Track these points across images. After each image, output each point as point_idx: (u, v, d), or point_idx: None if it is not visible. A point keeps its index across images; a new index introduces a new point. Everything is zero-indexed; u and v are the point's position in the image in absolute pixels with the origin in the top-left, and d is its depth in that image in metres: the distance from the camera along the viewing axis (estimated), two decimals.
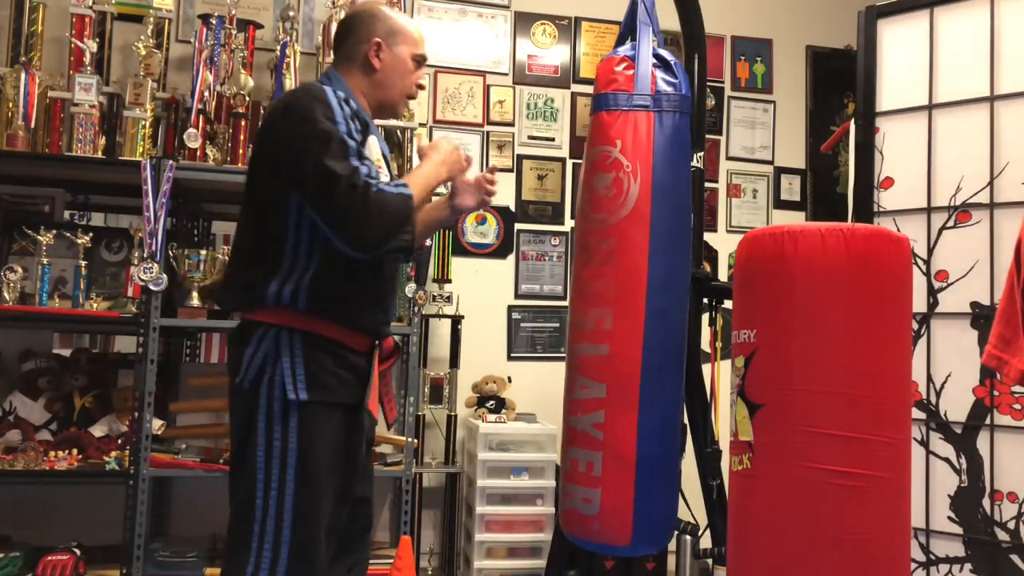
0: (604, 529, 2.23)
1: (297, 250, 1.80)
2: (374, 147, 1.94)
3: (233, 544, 1.77)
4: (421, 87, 2.07)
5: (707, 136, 3.27)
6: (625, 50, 2.35)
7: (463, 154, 2.03)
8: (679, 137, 2.28)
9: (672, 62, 2.33)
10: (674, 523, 2.32)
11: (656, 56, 2.32)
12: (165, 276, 2.81)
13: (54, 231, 2.96)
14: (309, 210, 1.78)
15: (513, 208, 3.81)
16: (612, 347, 2.25)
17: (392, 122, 3.20)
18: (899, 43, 2.68)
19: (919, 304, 2.46)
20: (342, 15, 3.23)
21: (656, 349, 2.23)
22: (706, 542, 2.56)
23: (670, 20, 2.51)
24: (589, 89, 3.90)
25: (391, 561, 2.99)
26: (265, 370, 1.76)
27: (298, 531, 1.73)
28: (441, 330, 3.61)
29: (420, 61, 2.04)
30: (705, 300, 2.58)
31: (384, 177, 1.88)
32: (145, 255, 2.81)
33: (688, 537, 2.56)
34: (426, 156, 1.98)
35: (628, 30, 2.42)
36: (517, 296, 3.82)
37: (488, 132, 3.82)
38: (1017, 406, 2.39)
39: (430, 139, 3.67)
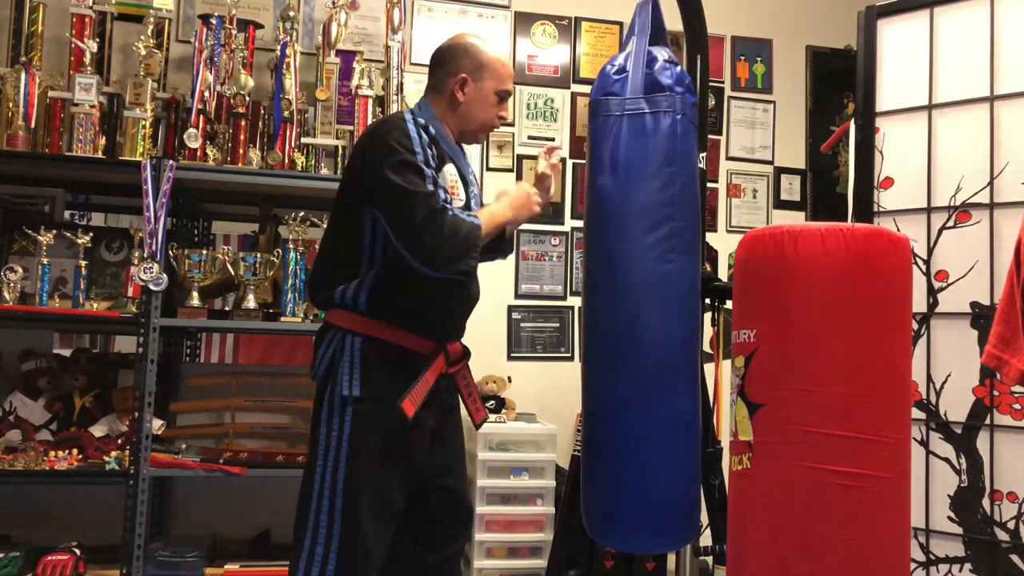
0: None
1: (371, 261, 2.01)
2: (449, 174, 2.11)
3: (297, 521, 1.98)
4: (503, 119, 2.21)
5: (707, 136, 3.27)
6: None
7: (535, 200, 2.20)
8: (600, 139, 2.28)
9: (612, 66, 2.33)
10: (635, 527, 2.28)
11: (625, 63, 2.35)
12: (165, 276, 2.80)
13: (54, 231, 2.95)
14: (385, 226, 1.97)
15: None
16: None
17: None
18: (899, 43, 2.68)
19: (919, 304, 2.46)
20: (342, 15, 3.25)
21: (589, 349, 2.30)
22: (706, 541, 2.56)
23: (671, 21, 2.51)
24: (589, 89, 3.92)
25: None
26: (331, 368, 1.98)
27: (348, 512, 1.93)
28: None
29: (504, 96, 2.19)
30: (706, 300, 2.58)
31: (458, 203, 2.07)
32: (145, 255, 2.81)
33: None
34: (500, 197, 2.19)
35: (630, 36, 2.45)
36: (517, 296, 3.82)
37: None
38: (1017, 406, 2.39)
39: None
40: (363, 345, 1.98)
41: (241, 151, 3.08)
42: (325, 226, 2.20)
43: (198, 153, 3.01)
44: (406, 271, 2.00)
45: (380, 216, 1.99)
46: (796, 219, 4.17)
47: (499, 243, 2.37)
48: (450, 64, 2.15)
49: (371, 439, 1.97)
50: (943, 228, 2.56)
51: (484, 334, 3.69)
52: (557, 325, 3.85)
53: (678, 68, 2.33)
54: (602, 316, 2.33)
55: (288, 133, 3.13)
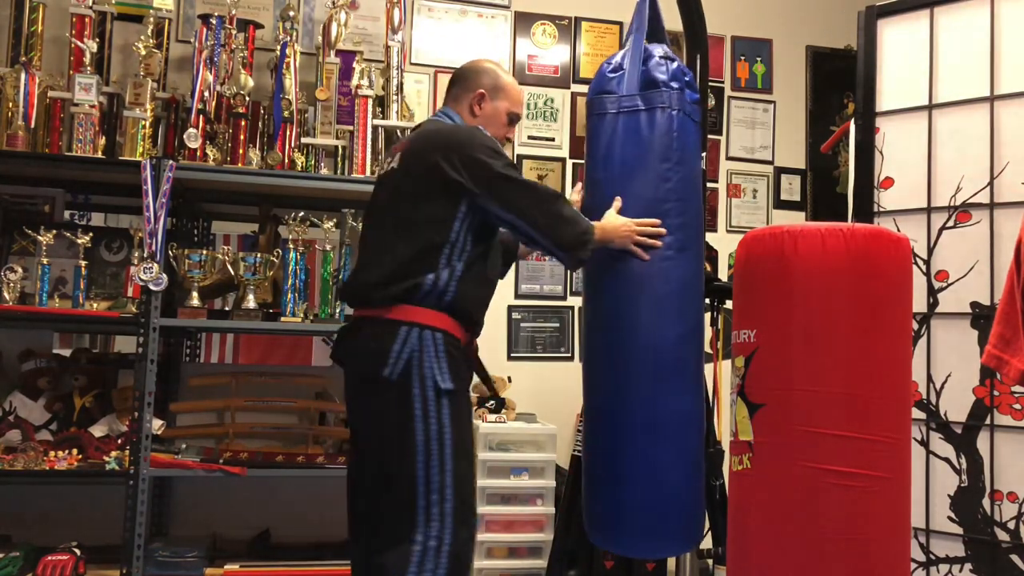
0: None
1: (450, 255, 2.07)
2: None
3: (395, 518, 1.99)
4: (509, 140, 2.38)
5: (707, 136, 3.27)
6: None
7: (635, 236, 2.23)
8: (596, 135, 2.33)
9: (618, 62, 2.36)
10: (645, 535, 2.28)
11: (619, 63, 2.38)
12: (165, 276, 2.80)
13: (54, 231, 2.95)
14: (508, 218, 2.09)
15: None
16: None
17: (391, 122, 3.19)
18: (899, 43, 2.68)
19: (919, 304, 2.46)
20: (342, 15, 3.25)
21: (587, 348, 2.36)
22: (706, 542, 2.56)
23: (671, 21, 2.52)
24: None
25: None
26: (412, 364, 2.00)
27: (458, 500, 1.99)
28: None
29: (514, 119, 2.34)
30: (706, 300, 2.58)
31: None
32: (145, 255, 2.81)
33: None
34: (609, 215, 2.26)
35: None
36: (517, 296, 3.82)
37: None
38: (1017, 406, 2.39)
39: None
40: (443, 340, 2.05)
41: (241, 151, 3.08)
42: (379, 223, 2.17)
43: (198, 153, 3.01)
44: (482, 263, 2.13)
45: (496, 209, 2.08)
46: (796, 219, 4.17)
47: (512, 259, 2.51)
48: (471, 80, 2.29)
49: (463, 429, 2.06)
50: (943, 228, 2.56)
51: (484, 334, 3.66)
52: (557, 325, 3.85)
53: (675, 64, 2.33)
54: (597, 314, 2.34)
55: (288, 133, 3.12)
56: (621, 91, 2.31)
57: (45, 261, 2.88)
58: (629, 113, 2.29)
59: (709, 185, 3.92)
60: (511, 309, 3.81)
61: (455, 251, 2.07)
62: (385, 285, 2.06)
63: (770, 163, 4.18)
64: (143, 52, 3.08)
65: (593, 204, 2.31)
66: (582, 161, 3.86)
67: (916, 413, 2.51)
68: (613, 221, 2.24)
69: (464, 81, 2.30)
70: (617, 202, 2.27)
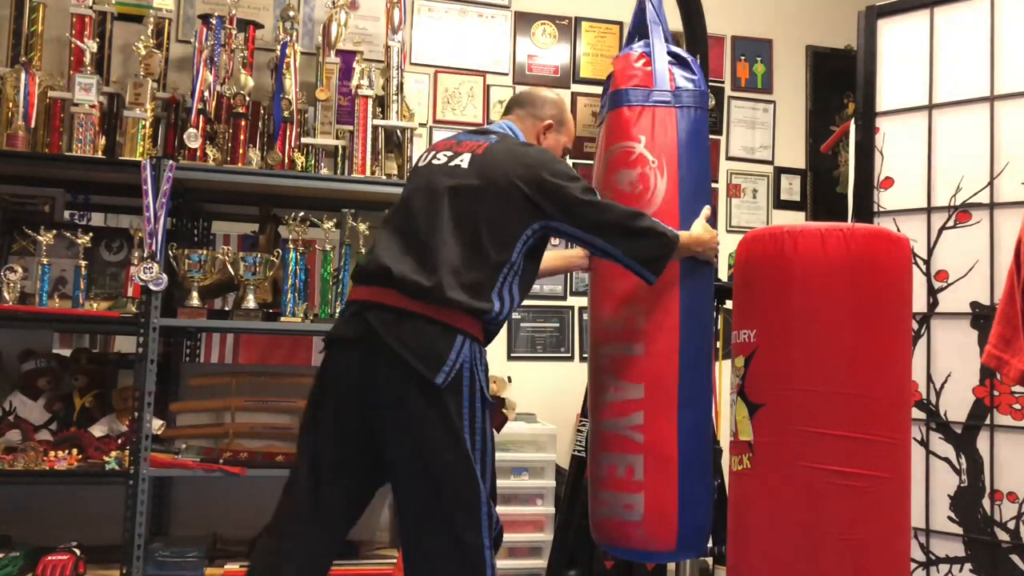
0: (648, 536, 2.20)
1: (509, 269, 2.07)
2: None
3: (465, 510, 1.99)
4: None
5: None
6: (640, 46, 2.38)
7: (715, 248, 2.30)
8: (700, 132, 2.32)
9: (689, 59, 2.38)
10: (710, 527, 2.28)
11: (671, 54, 2.36)
12: (165, 276, 2.80)
13: (54, 231, 2.95)
14: (587, 238, 2.11)
15: None
16: (647, 346, 2.22)
17: (391, 122, 3.19)
18: (899, 43, 2.68)
19: (919, 304, 2.46)
20: (342, 15, 3.25)
21: (691, 346, 2.22)
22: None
23: (672, 20, 2.52)
24: (589, 89, 3.93)
25: (394, 561, 2.99)
26: (463, 373, 1.99)
27: (492, 499, 2.05)
28: None
29: (567, 152, 2.43)
30: None
31: None
32: (145, 255, 2.81)
33: None
34: (700, 226, 2.26)
35: (636, 30, 2.45)
36: None
37: None
38: (1017, 406, 2.39)
39: (430, 139, 3.68)
40: (484, 353, 2.07)
41: (241, 151, 3.08)
42: (436, 219, 2.08)
43: (198, 153, 3.01)
44: (529, 276, 2.14)
45: (573, 231, 2.10)
46: (796, 219, 4.17)
47: None
48: (540, 108, 2.36)
49: (494, 438, 2.08)
50: (943, 228, 2.56)
51: None
52: (557, 325, 3.85)
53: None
54: (704, 311, 2.30)
55: (288, 133, 3.12)
56: (701, 86, 2.34)
57: (45, 261, 2.88)
58: (702, 110, 2.33)
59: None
60: None
61: (512, 271, 2.07)
62: (447, 289, 1.99)
63: (770, 163, 4.18)
64: (143, 52, 3.08)
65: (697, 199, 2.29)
66: (583, 161, 3.87)
67: (916, 413, 2.51)
68: (706, 233, 2.24)
69: (531, 106, 2.36)
70: (707, 210, 2.26)
